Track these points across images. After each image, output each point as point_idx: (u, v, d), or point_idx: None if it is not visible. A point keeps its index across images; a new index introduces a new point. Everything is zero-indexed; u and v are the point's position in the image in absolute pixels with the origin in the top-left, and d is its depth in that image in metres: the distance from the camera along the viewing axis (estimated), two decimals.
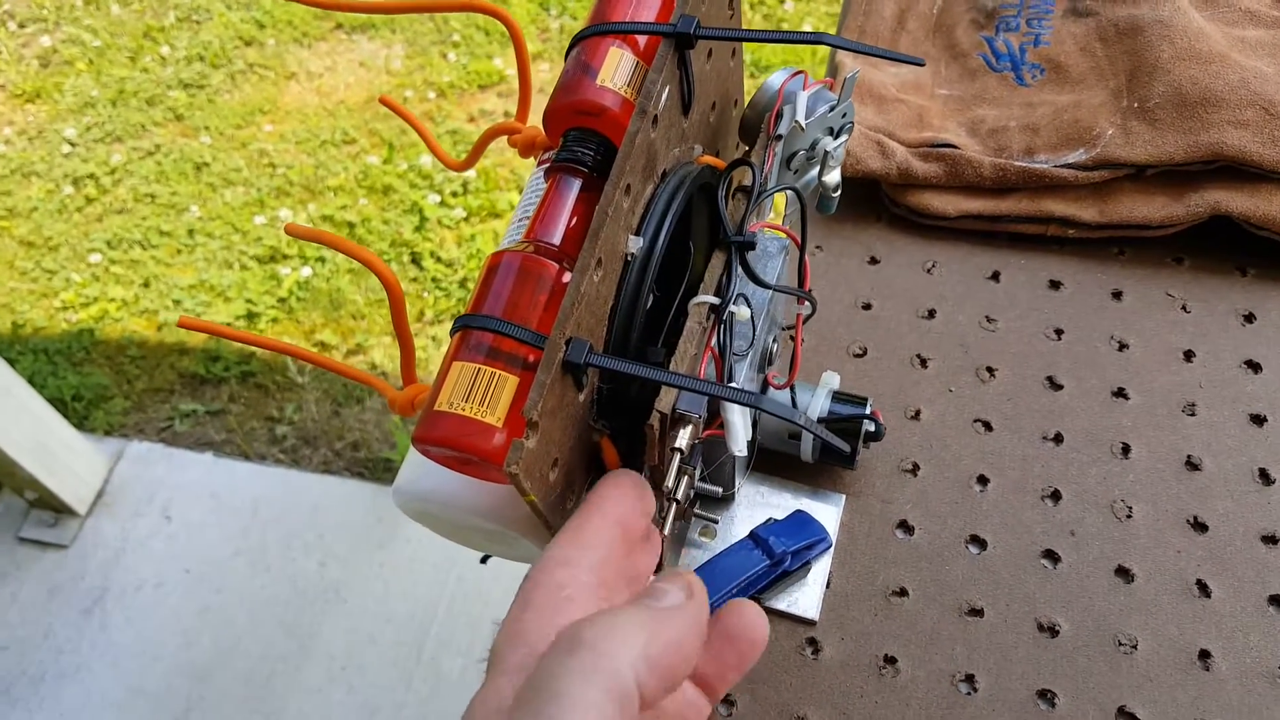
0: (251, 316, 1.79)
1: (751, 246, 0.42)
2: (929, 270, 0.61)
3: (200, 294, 1.84)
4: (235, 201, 1.99)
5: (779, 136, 0.46)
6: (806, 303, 0.48)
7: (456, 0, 0.51)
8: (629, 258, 0.41)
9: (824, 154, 0.50)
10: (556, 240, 0.41)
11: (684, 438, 0.38)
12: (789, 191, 0.52)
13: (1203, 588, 0.48)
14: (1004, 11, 0.67)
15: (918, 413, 0.55)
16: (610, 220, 0.38)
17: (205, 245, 1.92)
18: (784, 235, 0.48)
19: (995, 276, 0.61)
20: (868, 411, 0.50)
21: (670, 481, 0.38)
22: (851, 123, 0.51)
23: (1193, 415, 0.54)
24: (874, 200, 0.64)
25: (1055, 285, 0.60)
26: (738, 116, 0.54)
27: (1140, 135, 0.58)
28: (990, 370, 0.57)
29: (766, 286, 0.44)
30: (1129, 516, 0.51)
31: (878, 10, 0.69)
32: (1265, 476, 0.52)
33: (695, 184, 0.44)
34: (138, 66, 2.31)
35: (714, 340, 0.42)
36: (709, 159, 0.49)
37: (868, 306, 0.60)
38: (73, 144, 2.13)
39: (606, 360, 0.36)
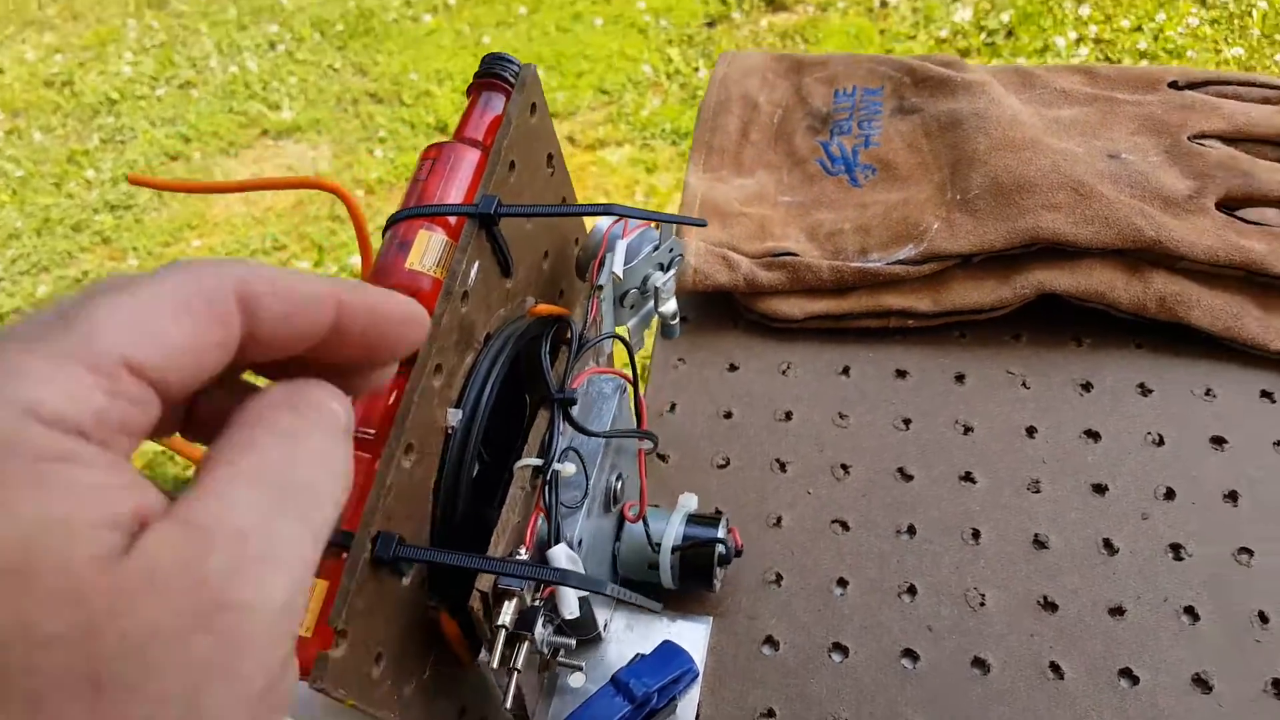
0: None
1: (572, 403, 0.44)
2: (784, 372, 0.64)
3: None
4: None
5: (600, 286, 0.49)
6: (647, 439, 0.50)
7: (298, 180, 0.53)
8: (450, 431, 0.42)
9: (654, 289, 0.53)
10: (372, 429, 0.43)
11: (508, 613, 0.39)
12: (630, 324, 0.55)
13: (1056, 669, 0.50)
14: (837, 115, 0.71)
15: (779, 519, 0.57)
16: (418, 405, 0.40)
17: None
18: (618, 376, 0.50)
19: (845, 371, 0.63)
20: (722, 533, 0.52)
21: (497, 657, 0.39)
22: (680, 255, 0.53)
23: (1037, 492, 0.57)
24: (730, 308, 0.67)
25: (901, 374, 0.63)
26: (577, 255, 0.56)
27: (963, 226, 0.61)
28: (845, 468, 0.59)
29: (592, 434, 0.46)
30: (982, 604, 0.53)
31: (723, 125, 0.72)
32: (1109, 546, 0.54)
33: (521, 343, 0.47)
34: (63, 193, 2.32)
35: (544, 499, 0.44)
36: (544, 308, 0.51)
37: (729, 415, 0.62)
38: None
39: (416, 552, 0.38)
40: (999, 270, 0.62)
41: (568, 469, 0.45)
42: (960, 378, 0.62)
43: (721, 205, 0.66)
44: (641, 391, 0.50)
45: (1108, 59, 2.16)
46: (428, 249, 0.45)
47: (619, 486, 0.50)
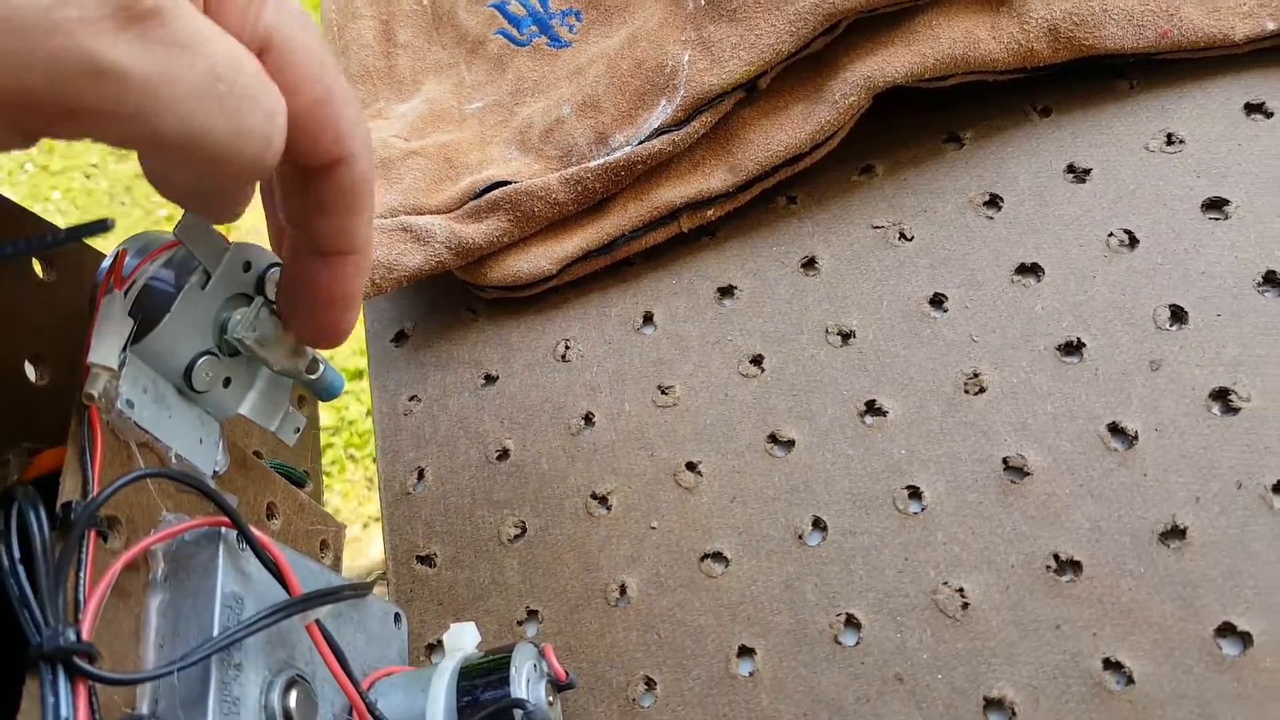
0: None
1: (79, 655, 0.22)
2: (564, 357, 0.41)
3: None
4: None
5: (91, 396, 0.25)
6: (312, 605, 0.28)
7: None
8: None
9: (247, 341, 0.29)
10: None
11: None
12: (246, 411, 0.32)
13: (1108, 663, 0.30)
14: None
15: (622, 588, 0.35)
16: None
17: None
18: (205, 524, 0.27)
19: (648, 320, 0.41)
20: (522, 682, 0.30)
21: None
22: (275, 265, 0.30)
23: (981, 391, 0.35)
24: (458, 291, 0.44)
25: (727, 292, 0.41)
26: None
27: (725, 41, 0.39)
28: (692, 467, 0.37)
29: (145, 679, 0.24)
30: (965, 608, 0.32)
31: (357, 38, 0.49)
32: (1122, 435, 0.33)
33: None
34: None
35: None
36: (48, 460, 0.28)
37: (504, 454, 0.40)
38: None
39: None
40: (802, 85, 0.40)
41: None
42: (810, 263, 0.40)
43: (376, 152, 0.43)
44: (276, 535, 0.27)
45: None
46: None
47: (293, 703, 0.28)
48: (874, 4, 0.37)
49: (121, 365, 0.25)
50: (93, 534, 0.24)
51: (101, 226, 0.18)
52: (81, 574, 0.23)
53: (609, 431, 0.39)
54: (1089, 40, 0.38)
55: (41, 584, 0.22)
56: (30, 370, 0.29)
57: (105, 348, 0.25)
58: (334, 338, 0.27)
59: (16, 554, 0.23)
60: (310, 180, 0.24)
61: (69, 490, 0.24)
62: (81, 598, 0.23)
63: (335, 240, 0.25)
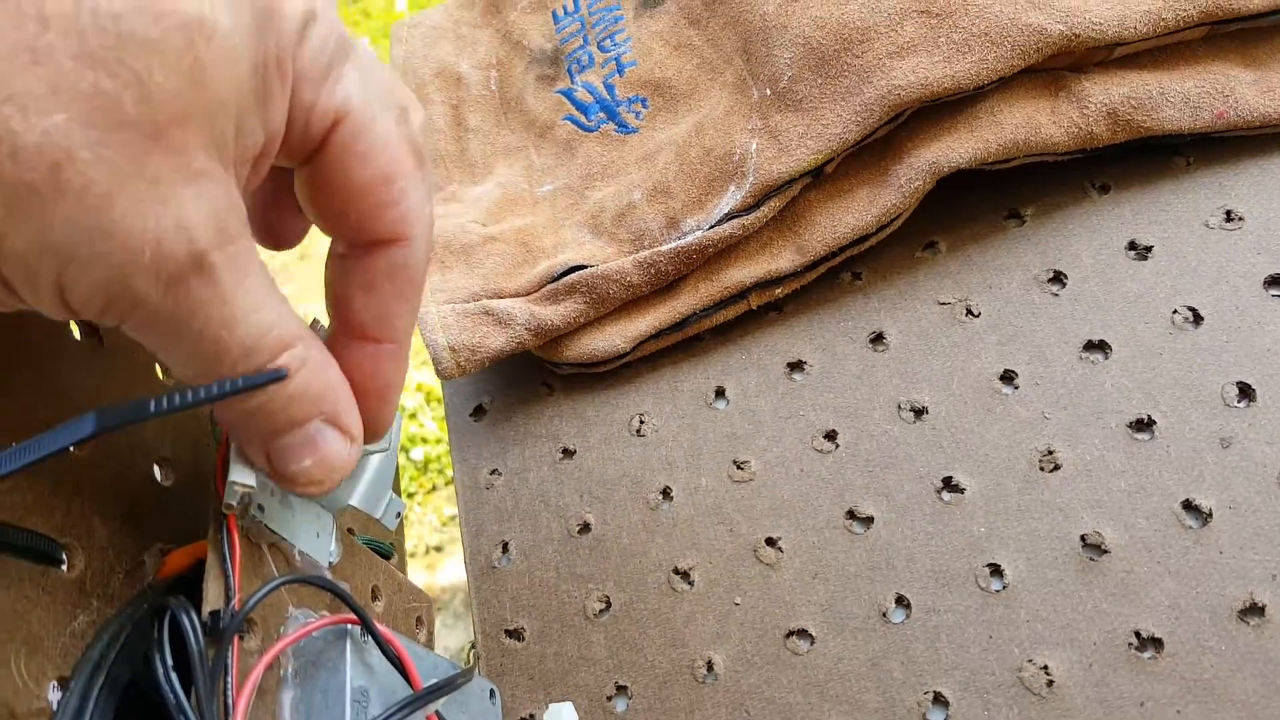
0: None
1: None
2: (639, 431, 0.43)
3: None
4: None
5: (231, 506, 0.27)
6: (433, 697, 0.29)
7: None
8: None
9: None
10: None
11: None
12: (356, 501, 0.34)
13: None
14: (567, 48, 0.49)
15: (709, 664, 0.37)
16: None
17: None
18: (335, 622, 0.29)
19: (720, 394, 0.43)
20: None
21: None
22: None
23: (1056, 469, 0.36)
24: (536, 368, 0.46)
25: (797, 367, 0.42)
26: None
27: (792, 131, 0.41)
28: (772, 542, 0.38)
29: None
30: (1050, 685, 0.33)
31: (428, 123, 0.51)
32: (1196, 513, 0.34)
33: (122, 668, 0.26)
34: None
35: None
36: (179, 560, 0.30)
37: (585, 528, 0.41)
38: None
39: None
40: (867, 169, 0.41)
41: None
42: (879, 338, 0.41)
43: (457, 238, 0.45)
44: (391, 627, 0.29)
45: None
46: None
47: None
48: (937, 94, 0.38)
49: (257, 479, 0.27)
50: (235, 636, 0.26)
51: (275, 376, 0.20)
52: (229, 677, 0.25)
53: (687, 506, 0.40)
54: (1147, 123, 0.39)
55: (200, 691, 0.24)
56: (158, 472, 0.31)
57: (242, 466, 0.27)
58: (369, 431, 0.25)
59: (170, 662, 0.25)
60: (362, 257, 0.23)
61: (213, 597, 0.26)
62: (230, 701, 0.25)
63: (375, 326, 0.24)
